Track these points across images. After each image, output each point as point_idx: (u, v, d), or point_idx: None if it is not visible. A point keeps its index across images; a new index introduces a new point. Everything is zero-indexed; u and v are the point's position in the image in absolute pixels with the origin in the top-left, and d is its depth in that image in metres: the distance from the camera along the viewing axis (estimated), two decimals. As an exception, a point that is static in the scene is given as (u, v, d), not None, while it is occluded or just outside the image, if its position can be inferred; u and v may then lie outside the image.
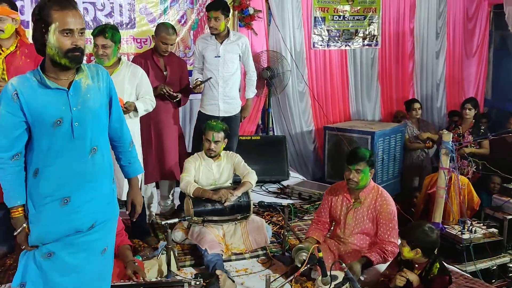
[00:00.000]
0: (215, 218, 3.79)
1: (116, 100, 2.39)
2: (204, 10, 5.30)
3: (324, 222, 3.66)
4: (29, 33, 3.89)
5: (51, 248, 2.20)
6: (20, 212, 2.21)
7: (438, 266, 2.94)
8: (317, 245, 3.02)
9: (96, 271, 2.32)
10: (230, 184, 4.06)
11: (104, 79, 2.30)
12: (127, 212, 2.61)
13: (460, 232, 4.20)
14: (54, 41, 2.07)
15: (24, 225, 2.21)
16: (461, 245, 4.10)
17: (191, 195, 3.78)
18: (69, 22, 2.06)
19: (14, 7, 3.34)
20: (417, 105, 6.35)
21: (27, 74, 2.16)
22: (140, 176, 3.79)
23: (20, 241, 2.22)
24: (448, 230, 4.25)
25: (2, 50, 3.32)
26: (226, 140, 3.99)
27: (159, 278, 3.24)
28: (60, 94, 2.13)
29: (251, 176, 3.96)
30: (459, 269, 3.89)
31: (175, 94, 4.15)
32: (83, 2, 5.11)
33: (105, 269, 2.40)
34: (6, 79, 3.20)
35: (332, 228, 3.73)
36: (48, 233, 2.19)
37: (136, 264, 3.14)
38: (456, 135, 5.66)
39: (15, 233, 2.22)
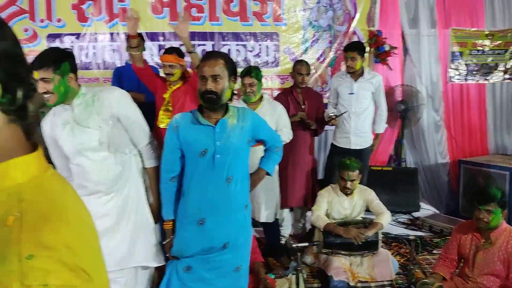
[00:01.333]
0: (342, 252, 3.74)
1: (263, 128, 2.58)
2: (341, 48, 5.38)
3: (452, 259, 3.42)
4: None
5: (190, 263, 2.42)
6: (170, 225, 2.49)
7: None
8: (441, 283, 2.86)
9: (229, 286, 2.48)
10: (361, 218, 3.94)
11: (248, 119, 2.46)
12: None
13: None
14: (198, 85, 2.33)
15: (172, 236, 2.47)
16: None
17: (321, 230, 3.75)
18: (203, 70, 2.31)
19: (181, 55, 3.73)
20: None
21: (189, 111, 2.44)
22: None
23: (166, 250, 2.50)
24: None
25: (170, 87, 3.73)
26: (361, 176, 3.93)
27: (288, 297, 3.33)
28: (208, 129, 2.36)
29: (385, 217, 3.76)
30: None
31: (311, 123, 4.29)
32: (237, 45, 5.50)
33: (238, 285, 2.54)
34: (170, 109, 3.57)
35: (460, 265, 3.48)
36: (186, 248, 2.41)
37: (267, 281, 3.26)
38: None
39: (163, 242, 2.51)
